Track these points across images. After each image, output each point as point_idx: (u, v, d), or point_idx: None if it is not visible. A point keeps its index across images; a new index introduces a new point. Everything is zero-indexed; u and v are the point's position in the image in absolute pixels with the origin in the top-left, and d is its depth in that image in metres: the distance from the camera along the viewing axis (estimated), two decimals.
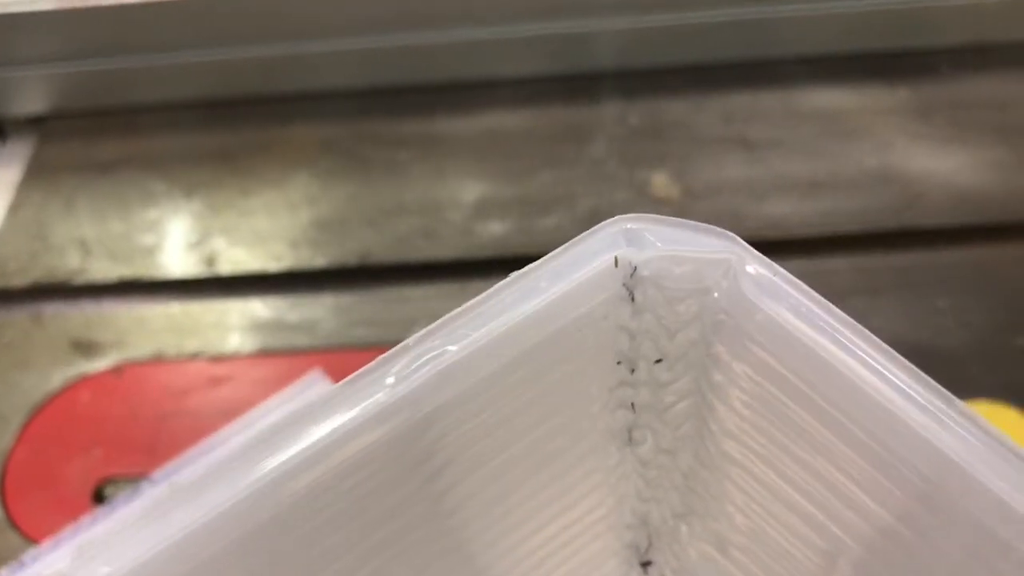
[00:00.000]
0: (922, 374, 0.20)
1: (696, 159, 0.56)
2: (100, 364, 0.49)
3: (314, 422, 0.19)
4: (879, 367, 0.20)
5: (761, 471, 0.23)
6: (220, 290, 0.52)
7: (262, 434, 0.19)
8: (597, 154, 0.57)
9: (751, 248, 0.21)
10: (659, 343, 0.22)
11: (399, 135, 0.59)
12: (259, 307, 0.51)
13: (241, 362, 0.49)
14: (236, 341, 0.50)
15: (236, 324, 0.51)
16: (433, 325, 0.20)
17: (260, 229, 0.55)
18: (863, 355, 0.20)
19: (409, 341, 0.19)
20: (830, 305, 0.21)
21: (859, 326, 0.20)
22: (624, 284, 0.21)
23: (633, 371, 0.23)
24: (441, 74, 0.61)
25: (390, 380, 0.19)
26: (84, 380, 0.49)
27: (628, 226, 0.21)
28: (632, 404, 0.24)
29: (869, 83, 0.59)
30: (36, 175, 0.59)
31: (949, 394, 0.20)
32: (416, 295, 0.51)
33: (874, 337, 0.20)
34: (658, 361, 0.23)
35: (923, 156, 0.55)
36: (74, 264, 0.54)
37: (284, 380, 0.48)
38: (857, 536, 0.22)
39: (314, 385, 0.47)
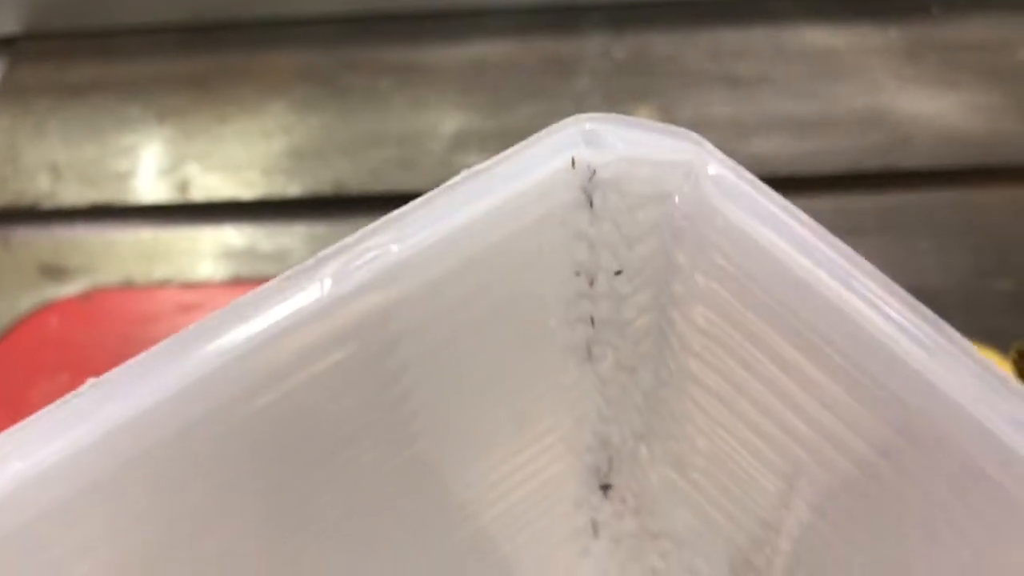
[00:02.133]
0: (907, 294, 0.18)
1: (682, 95, 0.55)
2: (69, 289, 0.49)
3: (244, 320, 0.18)
4: (856, 283, 0.18)
5: (724, 390, 0.23)
6: (192, 217, 0.51)
7: (194, 330, 0.18)
8: (581, 88, 0.55)
9: (717, 150, 0.19)
10: (618, 253, 0.21)
11: (380, 63, 0.58)
12: (231, 235, 0.50)
13: (212, 290, 0.48)
14: (208, 269, 0.49)
15: (208, 251, 0.50)
16: (377, 223, 0.19)
17: (234, 156, 0.53)
18: (838, 268, 0.18)
19: (349, 239, 0.18)
20: (801, 213, 0.19)
21: (834, 237, 0.19)
22: (582, 188, 0.20)
23: (592, 283, 0.22)
24: (425, 2, 0.59)
25: (327, 281, 0.18)
26: (52, 305, 0.48)
27: (588, 126, 0.20)
28: (591, 319, 0.23)
29: (859, 22, 0.58)
30: (7, 97, 0.57)
31: (936, 317, 0.18)
32: None
33: (851, 250, 0.19)
34: (618, 273, 0.22)
35: (911, 97, 0.54)
36: (44, 188, 0.53)
37: None
38: (823, 461, 0.22)
39: None
